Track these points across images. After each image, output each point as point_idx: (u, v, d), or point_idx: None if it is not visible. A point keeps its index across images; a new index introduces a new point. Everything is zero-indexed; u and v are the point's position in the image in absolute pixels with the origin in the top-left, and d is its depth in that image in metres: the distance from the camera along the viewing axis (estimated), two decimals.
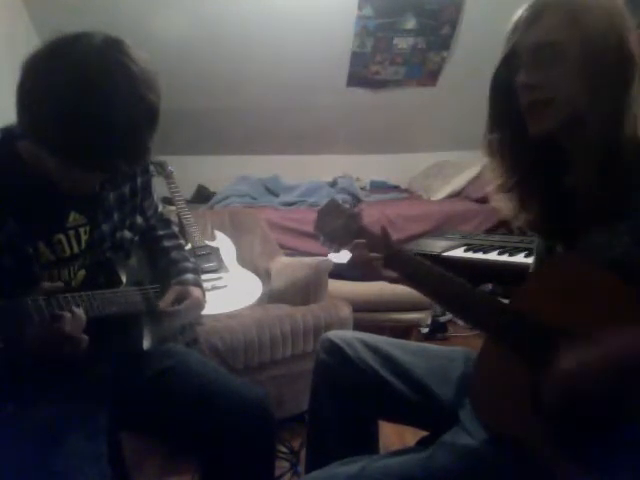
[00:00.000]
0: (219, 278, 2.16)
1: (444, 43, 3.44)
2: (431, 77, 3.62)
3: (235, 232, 2.47)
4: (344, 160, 3.99)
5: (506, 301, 0.93)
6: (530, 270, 1.10)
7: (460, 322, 2.99)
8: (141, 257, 1.24)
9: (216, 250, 2.29)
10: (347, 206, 1.15)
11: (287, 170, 3.77)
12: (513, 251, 1.59)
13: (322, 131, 3.75)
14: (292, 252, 2.79)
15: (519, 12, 0.88)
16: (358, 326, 2.00)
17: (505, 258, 1.57)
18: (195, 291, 1.22)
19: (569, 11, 0.83)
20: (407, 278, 1.05)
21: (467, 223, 3.24)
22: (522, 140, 0.91)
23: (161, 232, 1.32)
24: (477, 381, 0.96)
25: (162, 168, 2.27)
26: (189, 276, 1.25)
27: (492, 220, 3.20)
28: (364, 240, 1.08)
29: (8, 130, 0.97)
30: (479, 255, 1.61)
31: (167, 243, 1.31)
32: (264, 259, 2.41)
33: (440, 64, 3.54)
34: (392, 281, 1.09)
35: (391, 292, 2.38)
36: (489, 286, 2.00)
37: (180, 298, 1.20)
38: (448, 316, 3.00)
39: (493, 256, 1.59)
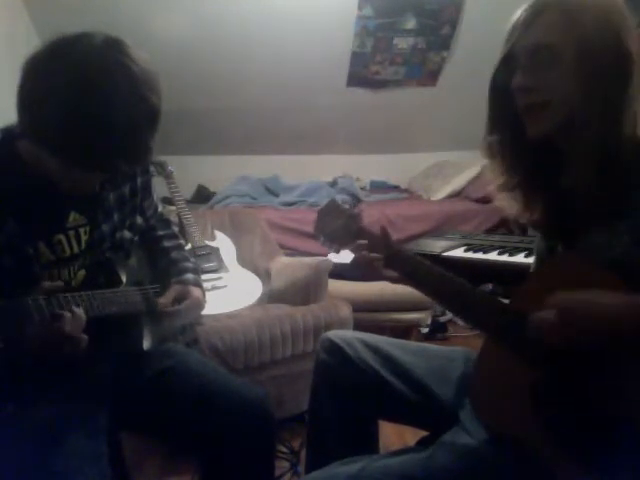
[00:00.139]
0: (219, 278, 2.16)
1: (444, 43, 3.44)
2: (431, 77, 3.62)
3: (235, 232, 2.47)
4: (344, 160, 3.99)
5: (506, 301, 0.93)
6: (531, 270, 1.10)
7: (460, 322, 2.99)
8: (141, 257, 1.24)
9: (216, 250, 2.29)
10: (347, 206, 1.15)
11: (287, 170, 3.77)
12: (513, 251, 1.59)
13: (322, 131, 3.75)
14: (292, 252, 2.79)
15: (517, 13, 0.88)
16: (358, 326, 2.00)
17: (505, 258, 1.57)
18: (195, 291, 1.22)
19: (566, 12, 0.83)
20: (407, 278, 1.05)
21: (467, 223, 3.24)
22: (521, 141, 0.91)
23: (161, 232, 1.32)
24: (477, 381, 0.96)
25: (162, 168, 2.27)
26: (189, 276, 1.25)
27: (492, 220, 3.20)
28: (366, 241, 1.09)
29: (8, 130, 0.97)
30: (479, 255, 1.61)
31: (167, 243, 1.31)
32: (264, 259, 2.41)
33: (440, 64, 3.54)
34: (393, 281, 1.09)
35: (391, 292, 2.38)
36: (489, 286, 2.00)
37: (180, 298, 1.20)
38: (448, 316, 3.01)
39: (493, 256, 1.59)
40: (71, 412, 1.00)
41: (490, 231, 3.07)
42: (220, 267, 2.22)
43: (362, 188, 3.91)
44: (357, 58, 3.41)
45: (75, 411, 1.01)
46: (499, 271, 1.53)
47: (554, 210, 0.95)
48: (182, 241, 1.38)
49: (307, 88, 3.43)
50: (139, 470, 1.72)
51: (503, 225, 3.16)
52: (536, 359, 0.84)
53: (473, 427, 0.96)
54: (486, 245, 1.67)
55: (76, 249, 1.05)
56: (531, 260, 1.12)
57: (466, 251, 1.64)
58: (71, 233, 1.04)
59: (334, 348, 1.18)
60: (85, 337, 0.92)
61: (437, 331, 2.96)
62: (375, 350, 1.16)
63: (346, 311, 2.05)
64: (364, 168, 4.02)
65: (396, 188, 4.08)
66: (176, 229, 1.39)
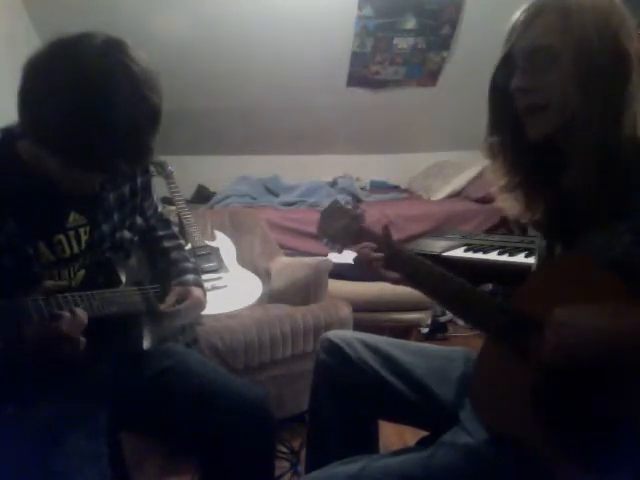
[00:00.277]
0: (219, 278, 2.16)
1: (444, 43, 3.44)
2: (431, 77, 3.62)
3: (235, 232, 2.47)
4: (344, 160, 3.99)
5: (506, 301, 0.93)
6: (532, 270, 1.10)
7: (460, 322, 2.99)
8: (141, 257, 1.24)
9: (216, 250, 2.29)
10: (350, 207, 1.15)
11: (287, 170, 3.77)
12: (513, 251, 1.59)
13: (322, 131, 3.75)
14: (292, 252, 2.79)
15: (516, 14, 0.88)
16: (358, 326, 2.00)
17: (505, 258, 1.57)
18: (196, 291, 1.22)
19: (564, 13, 0.83)
20: (408, 277, 1.06)
21: (467, 223, 3.24)
22: (522, 142, 0.91)
23: (161, 232, 1.32)
24: (477, 381, 0.96)
25: (162, 168, 2.27)
26: (189, 276, 1.25)
27: (492, 220, 3.20)
28: (370, 243, 1.09)
29: (8, 130, 0.97)
30: (479, 255, 1.61)
31: (167, 244, 1.31)
32: (264, 259, 2.41)
33: (440, 64, 3.54)
34: (394, 282, 1.09)
35: (391, 292, 2.38)
36: (489, 286, 2.00)
37: (180, 298, 1.20)
38: (448, 316, 3.01)
39: (493, 256, 1.59)
40: (71, 412, 1.01)
41: (490, 231, 3.07)
42: (220, 267, 2.22)
43: (362, 188, 3.91)
44: (357, 58, 3.41)
45: (75, 411, 1.01)
46: (499, 271, 1.53)
47: (555, 210, 0.95)
48: (182, 241, 1.38)
49: (307, 88, 3.43)
50: (139, 470, 1.72)
51: (503, 225, 3.16)
52: (536, 359, 0.84)
53: (473, 427, 0.96)
54: (486, 245, 1.67)
55: (76, 249, 1.05)
56: (531, 260, 1.12)
57: (466, 251, 1.64)
58: (71, 233, 1.04)
59: (334, 348, 1.18)
60: (83, 339, 0.91)
61: (437, 331, 2.96)
62: (375, 350, 1.16)
63: (346, 311, 2.04)
64: (364, 168, 4.02)
65: (396, 188, 4.08)
66: (176, 229, 1.39)
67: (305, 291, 2.14)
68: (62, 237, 1.02)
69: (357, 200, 3.50)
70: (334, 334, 1.22)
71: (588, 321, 0.77)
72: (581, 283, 0.83)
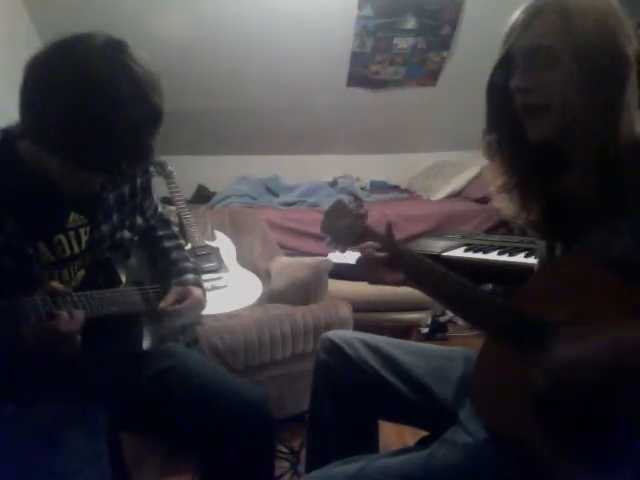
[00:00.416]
0: (219, 278, 2.16)
1: (444, 43, 3.44)
2: (431, 77, 3.62)
3: (235, 232, 2.47)
4: (344, 160, 3.99)
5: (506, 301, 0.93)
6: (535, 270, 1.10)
7: (460, 322, 2.99)
8: (141, 257, 1.24)
9: (216, 250, 2.29)
10: (353, 207, 1.15)
11: (287, 170, 3.77)
12: (513, 251, 1.59)
13: (322, 131, 3.75)
14: (292, 252, 2.79)
15: (515, 15, 0.88)
16: (358, 326, 2.00)
17: (505, 258, 1.57)
18: (196, 291, 1.22)
19: (563, 14, 0.83)
20: (410, 277, 1.06)
21: (467, 223, 3.24)
22: (520, 142, 0.91)
23: (161, 232, 1.32)
24: (477, 381, 0.96)
25: (162, 168, 2.28)
26: (189, 276, 1.25)
27: (492, 220, 3.20)
28: (373, 242, 1.09)
29: (8, 130, 0.97)
30: (479, 255, 1.61)
31: (167, 244, 1.31)
32: (264, 259, 2.41)
33: (440, 64, 3.54)
34: (395, 284, 1.09)
35: (391, 292, 2.38)
36: (489, 286, 2.00)
37: (180, 298, 1.20)
38: (448, 316, 3.01)
39: (493, 256, 1.59)
40: (71, 412, 1.01)
41: (490, 231, 3.07)
42: (220, 267, 2.22)
43: (362, 188, 3.91)
44: (357, 58, 3.41)
45: (75, 411, 1.01)
46: (499, 271, 1.53)
47: (553, 211, 0.95)
48: (182, 241, 1.38)
49: (307, 88, 3.43)
50: (139, 470, 1.72)
51: (503, 225, 3.15)
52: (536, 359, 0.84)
53: (473, 427, 0.96)
54: (486, 245, 1.67)
55: (76, 249, 1.05)
56: (531, 260, 1.12)
57: (466, 251, 1.64)
58: (71, 233, 1.04)
59: (334, 348, 1.18)
60: (79, 338, 0.91)
61: (437, 331, 2.96)
62: (375, 350, 1.16)
63: (346, 311, 2.05)
64: (364, 168, 4.02)
65: (396, 188, 4.08)
66: (176, 229, 1.39)
67: (305, 291, 2.14)
68: (62, 237, 1.02)
69: (357, 200, 3.50)
70: (334, 334, 1.22)
71: (588, 344, 0.77)
72: (581, 283, 0.83)
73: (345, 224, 1.14)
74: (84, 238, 1.06)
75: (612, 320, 0.77)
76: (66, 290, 0.91)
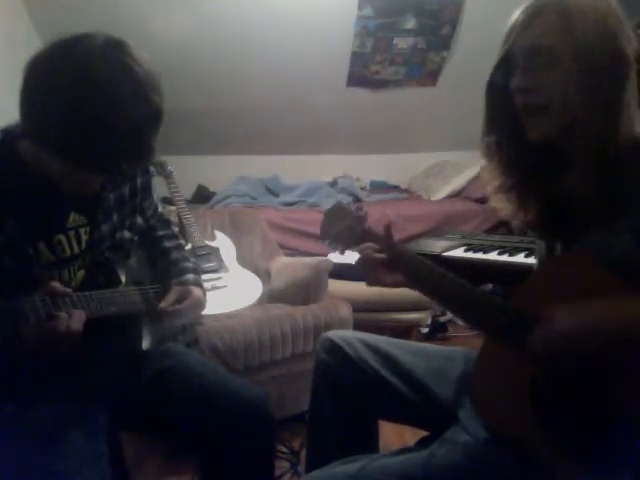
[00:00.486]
0: (219, 278, 2.16)
1: (444, 43, 3.44)
2: (431, 77, 3.62)
3: (235, 232, 2.47)
4: (344, 160, 3.99)
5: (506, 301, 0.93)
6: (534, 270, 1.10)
7: (460, 322, 2.99)
8: (141, 257, 1.24)
9: (216, 250, 2.29)
10: (352, 208, 1.15)
11: (287, 170, 3.77)
12: (513, 251, 1.59)
13: (322, 131, 3.75)
14: (292, 252, 2.79)
15: (515, 15, 0.88)
16: (358, 326, 2.00)
17: (505, 258, 1.57)
18: (196, 291, 1.22)
19: (563, 14, 0.83)
20: (409, 278, 1.06)
21: (467, 223, 3.24)
22: (519, 142, 0.91)
23: (161, 232, 1.32)
24: (477, 381, 0.96)
25: (162, 168, 2.28)
26: (189, 276, 1.25)
27: (492, 220, 3.20)
28: (372, 243, 1.09)
29: (8, 130, 0.97)
30: (479, 255, 1.61)
31: (167, 244, 1.31)
32: (264, 259, 2.41)
33: (440, 64, 3.54)
34: (395, 286, 1.09)
35: (391, 292, 2.35)
36: (489, 286, 2.00)
37: (181, 298, 1.19)
38: (448, 316, 3.01)
39: (493, 256, 1.59)
40: (71, 412, 1.01)
41: (490, 231, 3.07)
42: (220, 267, 2.22)
43: (362, 188, 3.91)
44: (357, 58, 3.41)
45: (75, 411, 1.01)
46: (499, 271, 1.53)
47: (551, 211, 0.95)
48: (182, 241, 1.38)
49: (307, 88, 3.43)
50: (139, 470, 1.72)
51: (503, 225, 3.15)
52: (536, 358, 0.84)
53: (473, 427, 0.96)
54: (486, 245, 1.67)
55: (76, 249, 1.05)
56: (531, 260, 1.12)
57: (466, 251, 1.64)
58: (71, 233, 1.04)
59: (334, 348, 1.18)
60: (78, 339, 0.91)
61: (437, 331, 2.96)
62: (375, 350, 1.17)
63: (346, 311, 2.05)
64: (364, 168, 4.02)
65: (396, 188, 4.08)
66: (176, 229, 1.38)
67: (305, 291, 2.14)
68: (62, 237, 1.02)
69: (357, 200, 3.50)
70: (334, 334, 1.22)
71: (585, 307, 0.78)
72: (581, 283, 0.83)
73: (344, 226, 1.14)
74: (84, 238, 1.06)
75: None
76: (66, 291, 0.91)
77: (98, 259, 1.11)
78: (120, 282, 1.13)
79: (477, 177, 3.53)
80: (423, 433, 1.16)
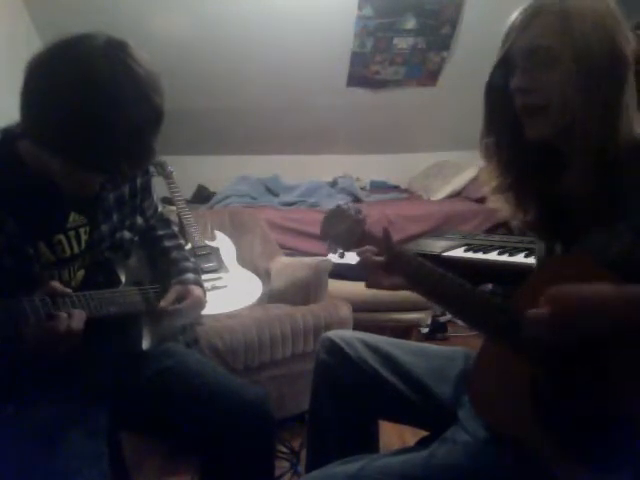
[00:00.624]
0: (219, 278, 2.16)
1: (444, 43, 3.44)
2: (431, 77, 3.62)
3: (235, 232, 2.47)
4: (344, 160, 3.99)
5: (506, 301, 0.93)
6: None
7: (460, 323, 2.99)
8: (141, 257, 1.24)
9: (216, 250, 2.29)
10: (352, 212, 1.16)
11: (287, 170, 3.77)
12: (513, 251, 1.59)
13: (322, 131, 3.75)
14: (292, 252, 2.79)
15: (513, 15, 0.88)
16: (358, 326, 2.00)
17: (505, 258, 1.57)
18: (196, 290, 1.22)
19: (562, 15, 0.83)
20: (408, 280, 1.06)
21: (467, 223, 3.24)
22: (518, 142, 0.91)
23: (161, 232, 1.32)
24: (477, 380, 0.96)
25: (162, 168, 2.28)
26: (189, 275, 1.25)
27: (492, 220, 3.20)
28: (374, 247, 1.10)
29: (8, 130, 0.97)
30: (479, 255, 1.61)
31: (167, 243, 1.31)
32: (264, 259, 2.41)
33: (440, 64, 3.54)
34: (395, 289, 1.10)
35: (391, 292, 2.37)
36: (489, 286, 2.00)
37: (180, 297, 1.19)
38: (448, 316, 3.00)
39: (493, 256, 1.59)
40: (71, 412, 1.01)
41: (490, 231, 3.07)
42: (220, 267, 2.22)
43: (362, 188, 3.91)
44: (357, 58, 3.41)
45: (75, 411, 1.01)
46: (499, 271, 1.53)
47: (550, 211, 0.95)
48: (182, 241, 1.38)
49: (307, 88, 3.43)
50: (139, 470, 1.72)
51: (503, 225, 3.15)
52: (536, 358, 0.84)
53: (472, 426, 0.96)
54: (486, 245, 1.67)
55: (76, 249, 1.05)
56: (531, 260, 1.12)
57: (466, 251, 1.64)
58: (71, 233, 1.04)
59: (334, 348, 1.18)
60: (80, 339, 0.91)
61: (437, 331, 2.96)
62: (375, 350, 1.17)
63: (346, 311, 2.05)
64: (364, 168, 4.02)
65: (396, 188, 4.08)
66: (176, 229, 1.38)
67: (305, 291, 2.14)
68: (62, 237, 1.02)
69: (357, 200, 3.50)
70: (334, 334, 1.23)
71: (580, 290, 0.76)
72: (581, 283, 0.83)
73: (344, 228, 1.14)
74: (84, 238, 1.06)
75: None
76: (65, 291, 0.91)
77: (98, 259, 1.11)
78: (120, 282, 1.13)
79: (477, 177, 3.53)
80: (423, 433, 1.16)
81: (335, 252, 1.18)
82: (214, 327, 1.79)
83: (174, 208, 2.26)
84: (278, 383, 1.90)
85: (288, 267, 2.30)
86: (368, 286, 1.13)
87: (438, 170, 3.87)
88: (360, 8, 3.14)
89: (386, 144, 3.99)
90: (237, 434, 1.13)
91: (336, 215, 1.17)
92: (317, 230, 1.22)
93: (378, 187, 4.03)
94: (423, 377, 1.12)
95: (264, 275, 2.30)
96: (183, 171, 2.47)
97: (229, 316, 1.92)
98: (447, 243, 1.72)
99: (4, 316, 0.81)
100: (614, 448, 0.78)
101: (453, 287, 0.96)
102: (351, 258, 1.17)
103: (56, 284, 0.90)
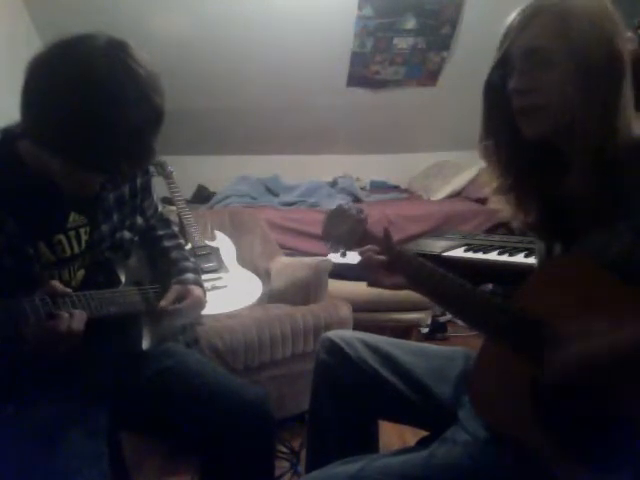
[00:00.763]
0: (219, 278, 2.16)
1: (444, 43, 3.44)
2: (431, 77, 3.62)
3: (235, 232, 2.47)
4: (344, 160, 3.99)
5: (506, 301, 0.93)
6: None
7: (460, 323, 3.00)
8: (141, 257, 1.24)
9: (216, 250, 2.29)
10: (354, 211, 1.16)
11: (287, 170, 3.77)
12: (513, 251, 1.59)
13: (322, 131, 3.75)
14: (292, 252, 2.79)
15: (511, 16, 0.88)
16: (358, 326, 2.00)
17: (505, 258, 1.57)
18: (195, 290, 1.22)
19: (560, 16, 0.83)
20: (409, 279, 1.06)
21: (467, 223, 3.24)
22: (517, 143, 0.91)
23: (161, 232, 1.32)
24: (477, 380, 0.96)
25: (162, 168, 2.28)
26: (189, 275, 1.25)
27: (492, 220, 3.20)
28: (375, 247, 1.10)
29: (8, 130, 0.97)
30: (479, 255, 1.61)
31: (167, 243, 1.31)
32: (264, 259, 2.41)
33: (440, 64, 3.54)
34: (396, 288, 1.10)
35: (391, 292, 2.37)
36: (489, 286, 2.00)
37: (180, 297, 1.19)
38: (448, 316, 3.01)
39: (493, 256, 1.59)
40: (71, 412, 1.01)
41: (490, 231, 3.06)
42: (220, 267, 2.22)
43: (362, 188, 3.91)
44: (357, 58, 3.41)
45: (75, 411, 1.01)
46: (499, 271, 1.53)
47: (550, 212, 0.95)
48: (182, 241, 1.38)
49: (307, 88, 3.43)
50: (139, 470, 1.72)
51: (503, 225, 3.15)
52: (537, 358, 0.84)
53: (472, 426, 0.96)
54: (486, 245, 1.67)
55: (76, 249, 1.05)
56: (531, 260, 1.12)
57: (466, 251, 1.64)
58: (71, 233, 1.04)
59: (334, 348, 1.18)
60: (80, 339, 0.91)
61: (437, 331, 2.96)
62: (375, 350, 1.17)
63: (346, 311, 2.05)
64: (364, 168, 4.02)
65: (396, 188, 4.08)
66: (176, 229, 1.38)
67: (305, 291, 2.14)
68: (62, 237, 1.02)
69: (357, 200, 3.50)
70: (334, 334, 1.23)
71: (600, 335, 0.77)
72: (581, 283, 0.83)
73: (345, 228, 1.15)
74: (84, 238, 1.06)
75: (611, 321, 0.77)
76: (65, 291, 0.91)
77: (98, 259, 1.11)
78: (120, 282, 1.13)
79: (477, 177, 3.53)
80: (423, 433, 1.16)
81: (337, 251, 1.19)
82: (214, 327, 1.79)
83: (174, 208, 2.26)
84: (278, 383, 1.90)
85: (288, 267, 2.30)
86: (370, 285, 1.13)
87: (438, 170, 3.87)
88: (360, 8, 3.14)
89: (386, 144, 3.99)
90: (237, 434, 1.13)
91: (338, 215, 1.17)
92: (317, 230, 1.23)
93: (378, 187, 4.03)
94: (423, 377, 1.12)
95: (264, 275, 2.30)
96: (183, 171, 2.47)
97: (229, 316, 1.92)
98: (447, 243, 1.72)
99: (4, 316, 0.81)
100: (614, 448, 0.78)
101: (454, 287, 0.96)
102: (352, 258, 1.17)
103: (56, 284, 0.90)
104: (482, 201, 3.30)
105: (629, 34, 1.00)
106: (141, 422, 1.18)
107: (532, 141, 0.89)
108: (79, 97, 0.82)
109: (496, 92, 0.92)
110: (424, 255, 1.06)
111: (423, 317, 2.61)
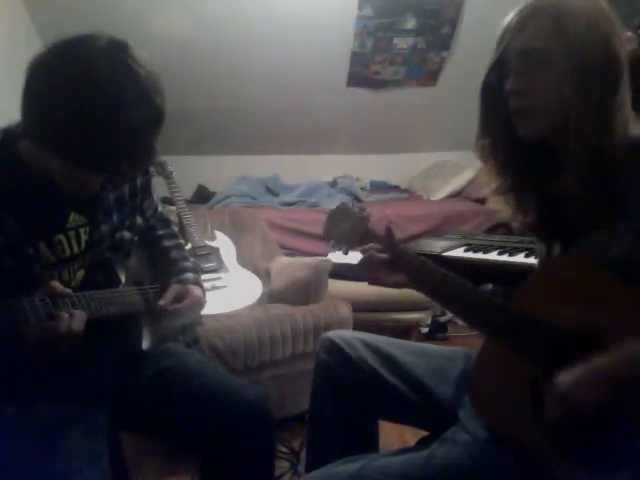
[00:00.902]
0: (219, 278, 2.16)
1: (444, 43, 3.44)
2: (431, 77, 3.62)
3: (235, 232, 2.47)
4: (344, 160, 3.99)
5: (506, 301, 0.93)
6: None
7: (460, 322, 3.00)
8: (141, 257, 1.24)
9: (216, 250, 2.29)
10: (356, 209, 1.16)
11: (287, 170, 3.77)
12: (513, 251, 1.59)
13: (322, 131, 3.75)
14: (292, 252, 2.79)
15: (508, 17, 0.89)
16: (358, 326, 2.00)
17: (505, 258, 1.57)
18: (195, 290, 1.22)
19: (557, 17, 0.83)
20: (410, 278, 1.06)
21: (467, 223, 3.24)
22: (514, 143, 0.92)
23: (161, 232, 1.32)
24: (477, 380, 0.96)
25: (162, 168, 2.28)
26: (189, 275, 1.25)
27: (492, 220, 3.20)
28: (377, 245, 1.10)
29: (8, 130, 0.97)
30: (479, 255, 1.61)
31: (167, 243, 1.31)
32: (264, 259, 2.41)
33: (440, 64, 3.54)
34: (397, 287, 1.10)
35: (391, 292, 2.36)
36: (489, 286, 2.00)
37: (180, 297, 1.19)
38: (448, 316, 3.01)
39: (493, 256, 1.59)
40: (71, 412, 1.01)
41: (490, 231, 3.07)
42: (220, 267, 2.22)
43: (362, 188, 3.91)
44: (357, 58, 3.41)
45: (75, 411, 1.01)
46: (499, 271, 1.53)
47: (549, 212, 0.95)
48: (182, 240, 1.38)
49: (307, 88, 3.43)
50: (139, 470, 1.72)
51: (503, 225, 3.15)
52: (537, 358, 0.84)
53: (473, 426, 0.96)
54: (486, 245, 1.67)
55: (76, 249, 1.05)
56: (531, 260, 1.12)
57: (466, 251, 1.64)
58: (71, 233, 1.04)
59: (334, 348, 1.18)
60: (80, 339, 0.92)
61: (437, 331, 2.96)
62: (375, 350, 1.17)
63: (346, 311, 2.05)
64: (364, 168, 4.02)
65: (396, 188, 4.08)
66: (176, 229, 1.38)
67: (305, 291, 2.14)
68: (62, 237, 1.02)
69: (357, 200, 3.50)
70: (334, 334, 1.23)
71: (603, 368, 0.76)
72: (581, 283, 0.83)
73: (348, 226, 1.15)
74: (84, 238, 1.06)
75: (611, 322, 0.77)
76: (65, 291, 0.91)
77: (98, 259, 1.11)
78: (120, 282, 1.13)
79: (477, 177, 3.53)
80: (423, 433, 1.16)
81: (339, 250, 1.19)
82: (214, 327, 1.79)
83: (174, 208, 2.26)
84: (278, 383, 1.90)
85: (288, 267, 2.30)
86: (371, 284, 1.13)
87: (438, 170, 3.87)
88: (360, 8, 3.14)
89: (386, 144, 3.99)
90: (237, 434, 1.13)
91: (339, 213, 1.17)
92: (317, 230, 1.23)
93: (378, 187, 4.03)
94: (423, 377, 1.12)
95: (264, 275, 2.30)
96: (183, 171, 2.47)
97: (229, 316, 1.92)
98: (447, 243, 1.72)
99: (4, 316, 0.81)
100: (614, 448, 0.78)
101: (454, 286, 0.97)
102: (352, 258, 1.17)
103: (56, 284, 0.90)
104: (482, 201, 3.30)
105: (628, 34, 1.00)
106: (141, 422, 1.18)
107: (529, 142, 0.89)
108: (79, 97, 0.82)
109: (493, 93, 0.92)
110: (424, 255, 1.06)
111: (423, 317, 2.61)
